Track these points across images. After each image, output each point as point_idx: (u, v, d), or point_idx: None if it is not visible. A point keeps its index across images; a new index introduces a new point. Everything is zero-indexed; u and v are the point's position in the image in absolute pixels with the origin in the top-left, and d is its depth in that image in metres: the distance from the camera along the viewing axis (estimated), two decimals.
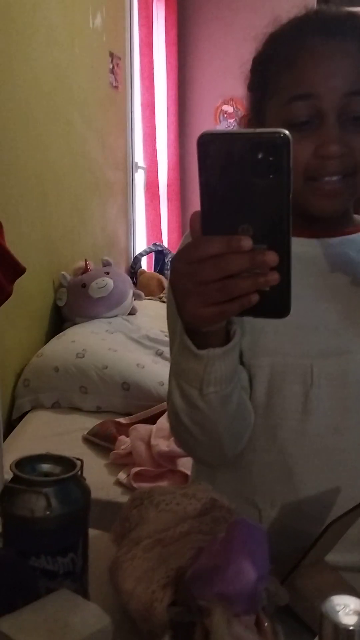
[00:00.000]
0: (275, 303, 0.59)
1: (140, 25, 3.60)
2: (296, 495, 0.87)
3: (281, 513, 0.88)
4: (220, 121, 4.41)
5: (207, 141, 0.56)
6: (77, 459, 0.69)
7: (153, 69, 3.78)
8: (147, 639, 0.63)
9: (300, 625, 0.65)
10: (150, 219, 3.95)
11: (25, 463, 0.68)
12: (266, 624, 0.54)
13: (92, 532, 0.71)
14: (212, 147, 0.56)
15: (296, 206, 0.84)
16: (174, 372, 0.77)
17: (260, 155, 0.55)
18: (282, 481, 0.88)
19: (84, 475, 0.69)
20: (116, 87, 3.34)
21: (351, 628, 0.49)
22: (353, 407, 0.87)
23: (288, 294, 0.59)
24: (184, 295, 0.63)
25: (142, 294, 3.12)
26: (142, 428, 1.92)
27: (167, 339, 2.82)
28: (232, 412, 0.79)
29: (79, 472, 0.68)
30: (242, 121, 0.91)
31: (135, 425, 1.96)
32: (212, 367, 0.72)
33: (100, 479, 1.76)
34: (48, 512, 0.64)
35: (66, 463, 0.69)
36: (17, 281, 1.67)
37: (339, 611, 0.50)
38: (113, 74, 3.28)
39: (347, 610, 0.50)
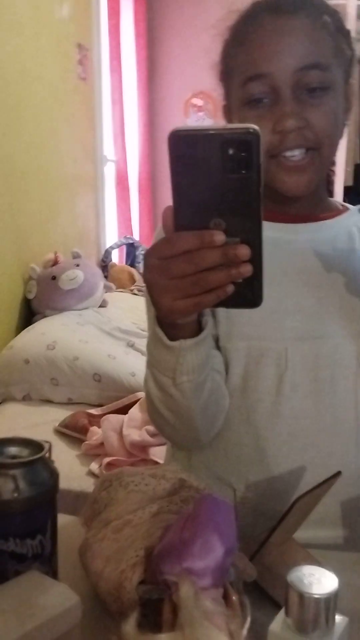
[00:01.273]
0: (248, 294, 0.60)
1: (108, 17, 3.57)
2: (270, 476, 0.88)
3: (255, 493, 0.89)
4: (190, 114, 4.40)
5: (178, 138, 0.56)
6: (45, 441, 0.69)
7: (121, 60, 3.75)
8: (117, 619, 0.63)
9: (268, 599, 0.66)
10: (120, 212, 3.93)
11: None
12: (234, 597, 0.54)
13: (63, 517, 0.71)
14: (183, 143, 0.56)
15: (265, 188, 0.85)
16: (148, 361, 0.78)
17: (231, 151, 0.55)
18: (256, 462, 0.89)
19: (57, 461, 0.69)
20: (84, 78, 3.31)
21: (316, 597, 0.50)
22: (325, 390, 0.88)
23: (260, 285, 0.59)
24: (158, 290, 0.63)
25: (113, 286, 3.11)
26: (114, 418, 1.91)
27: (139, 330, 2.82)
28: (205, 398, 0.80)
29: (47, 455, 0.68)
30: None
31: (107, 415, 1.96)
32: (184, 358, 0.73)
33: (73, 470, 1.76)
34: (16, 494, 0.63)
35: (34, 446, 0.68)
36: None
37: (304, 581, 0.51)
38: (81, 65, 3.25)
39: (312, 579, 0.51)
